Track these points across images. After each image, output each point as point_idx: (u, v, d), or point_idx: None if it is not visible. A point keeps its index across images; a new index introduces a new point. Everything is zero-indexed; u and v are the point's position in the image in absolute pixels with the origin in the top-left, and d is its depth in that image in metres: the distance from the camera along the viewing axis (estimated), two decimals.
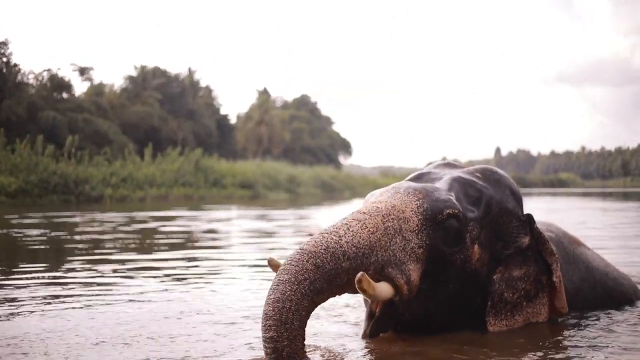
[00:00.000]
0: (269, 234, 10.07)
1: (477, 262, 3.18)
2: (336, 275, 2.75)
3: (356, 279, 2.73)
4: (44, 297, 4.48)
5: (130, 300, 4.38)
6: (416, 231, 3.02)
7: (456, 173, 3.41)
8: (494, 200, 3.30)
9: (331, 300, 3.50)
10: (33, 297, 4.46)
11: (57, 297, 4.50)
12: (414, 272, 2.98)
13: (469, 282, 3.18)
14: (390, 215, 3.00)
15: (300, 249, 2.76)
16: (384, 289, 2.89)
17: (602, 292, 3.82)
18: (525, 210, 3.47)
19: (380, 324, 3.14)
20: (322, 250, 2.75)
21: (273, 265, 2.97)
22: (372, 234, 2.90)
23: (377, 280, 2.90)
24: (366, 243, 2.87)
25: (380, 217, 2.97)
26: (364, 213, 3.00)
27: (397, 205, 3.05)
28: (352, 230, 2.87)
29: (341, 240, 2.82)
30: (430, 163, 3.77)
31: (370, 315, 3.22)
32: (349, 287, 2.82)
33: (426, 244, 3.02)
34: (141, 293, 4.68)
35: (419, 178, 3.47)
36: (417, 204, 3.07)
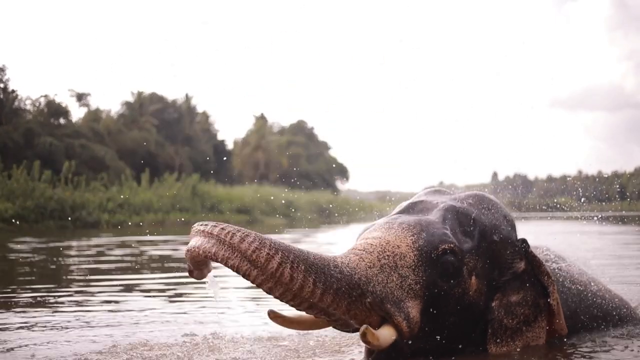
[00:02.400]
0: None
1: (475, 293, 3.17)
2: (323, 266, 2.79)
3: (360, 332, 2.75)
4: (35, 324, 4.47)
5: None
6: (412, 267, 3.00)
7: (449, 202, 3.36)
8: (487, 227, 3.28)
9: (333, 333, 3.43)
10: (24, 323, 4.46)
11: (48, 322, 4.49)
12: (412, 309, 2.97)
13: (468, 314, 3.16)
14: (385, 252, 3.00)
15: None
16: (386, 335, 2.88)
17: (599, 315, 3.80)
18: (522, 234, 3.47)
19: (381, 358, 3.09)
20: (313, 255, 2.82)
21: (274, 317, 3.02)
22: (369, 268, 2.92)
23: (379, 318, 2.90)
24: (363, 272, 2.89)
25: (376, 255, 2.97)
26: (360, 250, 3.00)
27: (392, 241, 3.05)
28: (349, 260, 2.91)
29: (336, 259, 2.88)
30: (426, 188, 3.74)
31: (370, 351, 3.18)
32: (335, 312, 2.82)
33: (423, 280, 3.00)
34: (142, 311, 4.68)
35: (411, 208, 3.42)
36: (412, 239, 3.06)
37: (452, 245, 3.08)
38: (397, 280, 2.95)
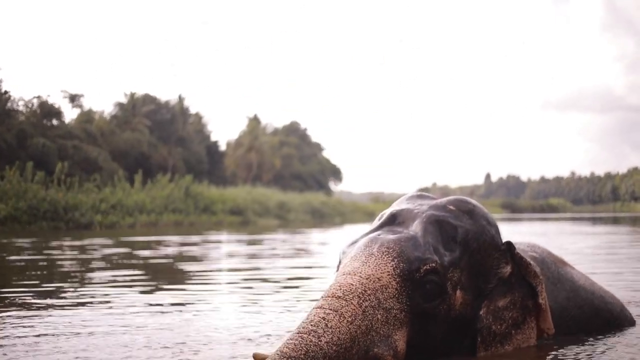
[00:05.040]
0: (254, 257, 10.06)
1: (461, 306, 3.16)
2: None
3: None
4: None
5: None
6: (396, 296, 2.99)
7: (429, 211, 3.32)
8: (470, 235, 3.25)
9: None
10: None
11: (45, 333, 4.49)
12: (399, 340, 2.96)
13: (456, 328, 3.16)
14: (366, 292, 2.96)
15: (279, 352, 2.75)
16: None
17: (589, 312, 3.82)
18: (515, 235, 3.48)
19: None
20: (302, 355, 2.74)
21: (258, 359, 2.94)
22: (351, 323, 2.87)
23: None
24: (346, 337, 2.85)
25: (356, 300, 2.93)
26: (339, 298, 2.94)
27: (373, 274, 3.01)
28: (331, 327, 2.85)
29: (321, 341, 2.80)
30: (422, 189, 3.75)
31: None
32: None
33: (407, 306, 3.00)
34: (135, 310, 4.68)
35: (393, 220, 3.38)
36: (392, 265, 3.03)
37: (434, 265, 3.05)
38: (382, 317, 2.94)
